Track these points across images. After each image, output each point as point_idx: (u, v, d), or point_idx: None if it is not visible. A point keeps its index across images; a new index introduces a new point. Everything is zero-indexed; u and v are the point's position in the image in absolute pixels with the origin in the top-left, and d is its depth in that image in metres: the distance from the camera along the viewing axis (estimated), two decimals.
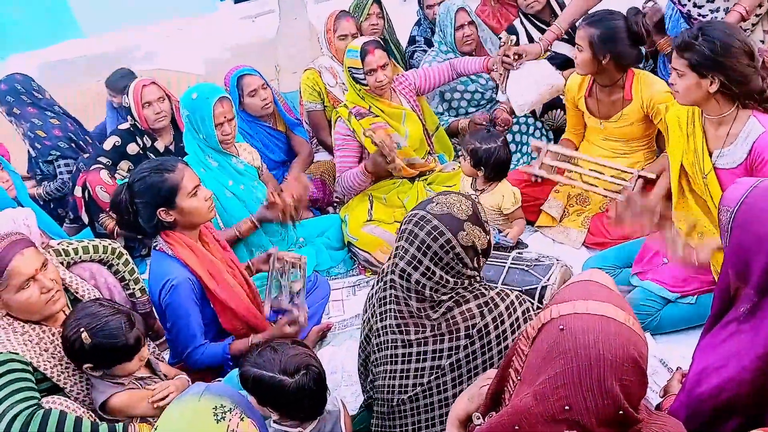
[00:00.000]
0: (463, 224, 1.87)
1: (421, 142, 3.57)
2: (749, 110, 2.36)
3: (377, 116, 3.45)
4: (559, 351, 1.26)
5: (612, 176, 3.10)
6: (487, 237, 1.93)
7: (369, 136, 3.30)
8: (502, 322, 1.94)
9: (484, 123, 3.78)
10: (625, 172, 3.08)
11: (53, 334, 2.11)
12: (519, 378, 1.35)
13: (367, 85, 3.36)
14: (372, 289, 2.12)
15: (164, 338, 2.72)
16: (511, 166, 3.65)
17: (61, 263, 2.61)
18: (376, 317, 2.04)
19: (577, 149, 3.41)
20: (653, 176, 3.03)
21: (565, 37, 3.62)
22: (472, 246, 1.88)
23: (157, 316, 2.70)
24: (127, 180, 2.47)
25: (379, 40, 3.41)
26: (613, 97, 3.18)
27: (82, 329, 1.99)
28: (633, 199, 2.53)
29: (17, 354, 1.98)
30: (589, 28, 3.01)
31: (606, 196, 3.13)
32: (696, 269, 2.34)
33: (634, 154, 3.25)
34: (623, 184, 3.04)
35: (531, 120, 3.87)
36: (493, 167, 3.14)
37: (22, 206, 2.95)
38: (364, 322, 2.15)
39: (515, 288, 2.61)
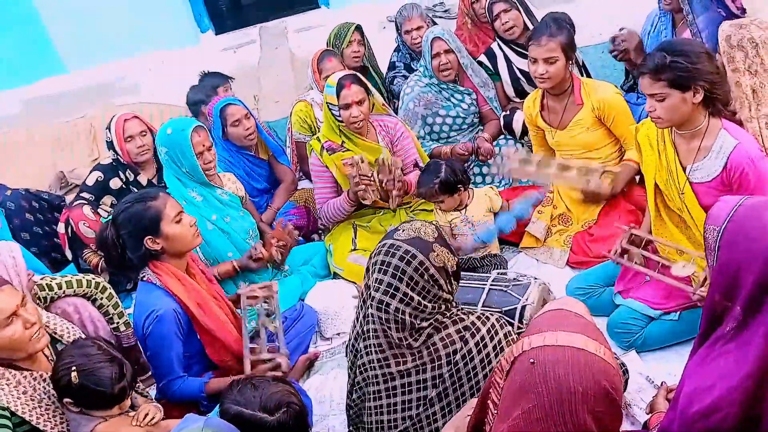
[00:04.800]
0: (432, 246, 1.91)
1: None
2: (718, 120, 2.40)
3: (349, 150, 3.44)
4: (531, 385, 1.26)
5: (578, 172, 3.11)
6: (455, 258, 1.96)
7: (344, 164, 3.31)
8: (485, 346, 1.95)
9: (466, 154, 3.81)
10: (590, 168, 3.10)
11: (34, 379, 2.08)
12: (496, 411, 1.35)
13: (341, 120, 3.35)
14: (353, 323, 2.12)
15: (150, 373, 2.69)
16: (496, 186, 3.72)
17: (45, 298, 2.60)
18: (359, 352, 2.04)
19: None
20: (617, 170, 3.10)
21: (523, 51, 3.66)
22: (443, 267, 1.91)
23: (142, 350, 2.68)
24: (110, 217, 2.48)
25: (358, 75, 3.41)
26: (565, 102, 3.23)
27: (73, 367, 1.98)
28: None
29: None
30: (551, 39, 3.05)
31: (575, 187, 3.15)
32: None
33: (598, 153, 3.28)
34: (589, 178, 3.06)
35: (512, 142, 3.91)
36: (454, 184, 3.24)
37: None
38: (348, 355, 2.15)
39: (495, 309, 2.62)
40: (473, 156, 3.86)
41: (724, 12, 3.12)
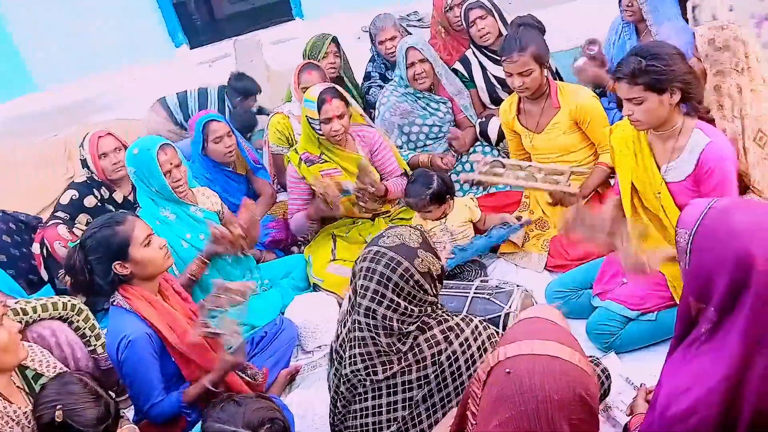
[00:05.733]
0: (417, 252, 1.91)
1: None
2: (692, 120, 2.44)
3: (327, 162, 3.45)
4: (507, 395, 1.27)
5: (546, 174, 3.16)
6: (440, 263, 1.97)
7: (313, 184, 3.32)
8: (469, 347, 1.96)
9: (449, 167, 3.83)
10: (558, 170, 3.14)
11: (10, 416, 2.02)
12: (475, 422, 1.36)
13: (322, 133, 3.36)
14: (336, 331, 2.12)
15: (127, 395, 2.66)
16: (472, 194, 3.74)
17: (21, 322, 2.56)
18: (344, 362, 2.03)
19: None
20: (586, 171, 3.14)
21: (497, 57, 3.69)
22: (428, 272, 1.91)
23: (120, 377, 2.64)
24: (77, 242, 2.44)
25: (337, 87, 3.40)
26: (542, 106, 3.26)
27: (59, 407, 1.94)
28: (581, 211, 2.58)
29: None
30: (523, 52, 3.06)
31: (542, 189, 3.16)
32: (648, 278, 2.38)
33: (575, 156, 3.31)
34: (558, 179, 3.09)
35: (488, 149, 3.93)
36: (444, 195, 3.27)
37: None
38: (328, 372, 2.14)
39: (479, 317, 2.62)
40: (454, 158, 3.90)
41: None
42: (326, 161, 3.45)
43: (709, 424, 1.53)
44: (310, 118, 3.33)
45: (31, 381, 2.20)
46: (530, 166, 3.21)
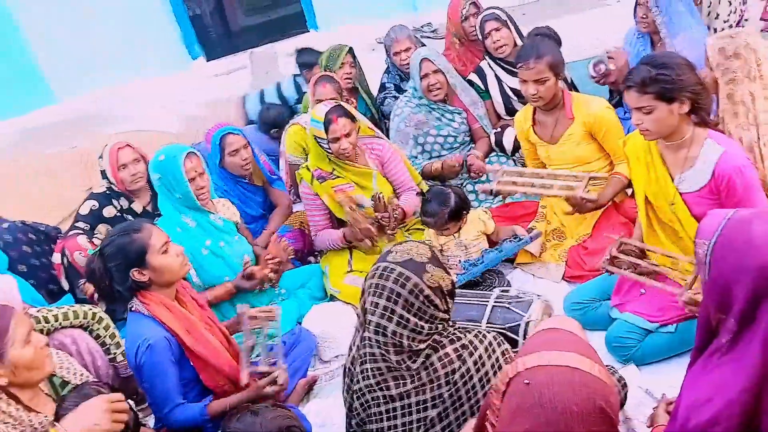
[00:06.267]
0: (426, 266, 1.90)
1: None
2: (703, 130, 2.43)
3: (339, 177, 3.47)
4: (527, 406, 1.26)
5: (564, 181, 3.15)
6: (450, 278, 1.96)
7: (345, 213, 3.36)
8: (483, 365, 1.95)
9: (457, 165, 3.84)
10: (576, 176, 3.13)
11: (40, 424, 2.03)
12: None
13: (331, 152, 3.38)
14: (349, 349, 2.12)
15: (148, 403, 2.68)
16: (487, 205, 3.75)
17: (41, 331, 2.59)
18: (356, 377, 2.04)
19: None
20: (605, 176, 3.12)
21: (512, 69, 3.71)
22: (438, 287, 1.90)
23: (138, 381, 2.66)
24: (97, 249, 2.47)
25: (342, 104, 3.41)
26: (556, 117, 3.26)
27: None
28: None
29: None
30: (540, 60, 3.07)
31: (560, 196, 3.14)
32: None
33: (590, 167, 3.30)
34: (575, 185, 3.08)
35: (503, 159, 3.93)
36: (461, 211, 3.28)
37: None
38: (343, 384, 2.15)
39: (499, 326, 2.63)
40: (465, 173, 3.89)
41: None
42: (338, 176, 3.47)
43: None
44: (318, 137, 3.35)
45: (58, 388, 2.22)
46: (548, 173, 3.21)
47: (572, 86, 4.02)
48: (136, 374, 2.45)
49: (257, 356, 2.51)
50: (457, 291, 2.21)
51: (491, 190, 3.32)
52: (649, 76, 2.34)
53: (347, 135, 3.31)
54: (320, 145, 3.39)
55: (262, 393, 2.37)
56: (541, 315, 2.65)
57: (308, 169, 3.51)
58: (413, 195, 3.55)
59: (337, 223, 3.60)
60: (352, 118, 3.37)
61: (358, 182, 3.48)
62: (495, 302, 2.75)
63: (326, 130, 3.29)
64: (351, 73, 4.37)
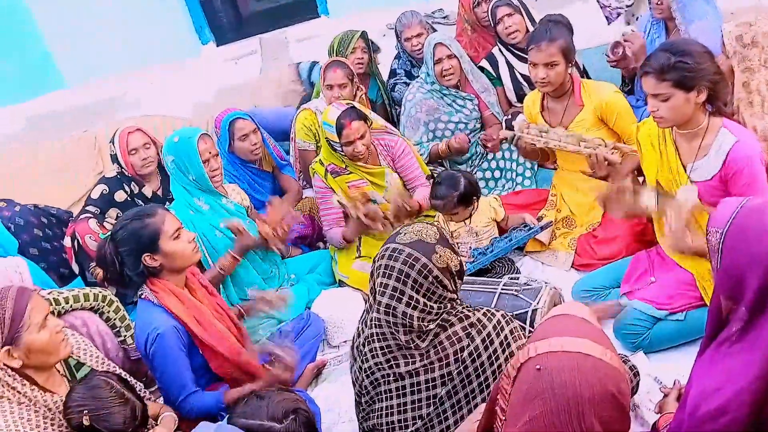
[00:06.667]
0: (435, 247, 1.91)
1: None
2: (719, 119, 2.41)
3: (353, 173, 3.44)
4: (538, 391, 1.26)
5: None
6: (458, 258, 1.96)
7: (344, 206, 3.31)
8: (492, 342, 1.96)
9: (465, 145, 3.81)
10: (602, 143, 3.06)
11: (54, 403, 2.06)
12: (504, 417, 1.36)
13: (344, 154, 3.34)
14: (357, 329, 2.13)
15: (157, 387, 2.70)
16: (497, 192, 3.73)
17: (52, 313, 2.61)
18: (365, 356, 2.05)
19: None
20: (628, 149, 3.04)
21: (524, 55, 3.68)
22: (447, 267, 1.91)
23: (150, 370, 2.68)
24: (108, 234, 2.47)
25: (355, 106, 3.34)
26: (566, 104, 3.23)
27: (85, 411, 1.98)
28: (620, 188, 2.54)
29: None
30: (552, 43, 3.04)
31: (581, 152, 3.08)
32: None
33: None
34: (597, 144, 3.01)
35: (514, 147, 3.91)
36: (471, 196, 3.26)
37: None
38: (351, 366, 2.16)
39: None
40: (476, 159, 3.87)
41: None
42: (351, 172, 3.45)
43: (740, 424, 1.52)
44: (331, 140, 3.31)
45: (73, 369, 2.24)
46: (573, 135, 3.13)
47: (584, 73, 3.98)
48: (146, 363, 2.47)
49: (263, 339, 2.53)
50: (466, 278, 2.21)
51: (513, 138, 3.26)
52: (669, 63, 2.31)
53: (361, 137, 3.27)
54: (333, 148, 3.36)
55: (278, 379, 2.38)
56: (549, 303, 2.65)
57: (321, 163, 3.48)
58: (426, 189, 3.51)
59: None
60: (365, 119, 3.33)
61: (372, 179, 3.47)
62: (503, 289, 2.75)
63: (339, 134, 3.24)
64: (363, 58, 4.33)
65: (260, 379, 2.43)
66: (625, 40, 3.52)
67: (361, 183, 3.46)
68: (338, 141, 3.26)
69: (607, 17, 4.24)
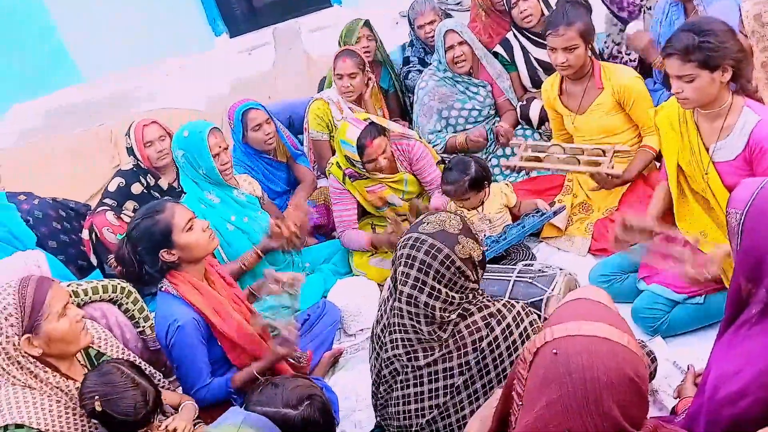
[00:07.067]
0: (457, 238, 1.89)
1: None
2: (741, 98, 2.37)
3: (369, 178, 3.40)
4: (554, 376, 1.25)
5: (589, 154, 3.10)
6: (481, 248, 1.95)
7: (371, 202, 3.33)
8: (511, 333, 1.95)
9: (482, 140, 3.80)
10: (601, 149, 3.08)
11: (67, 396, 2.08)
12: (521, 402, 1.35)
13: (366, 171, 3.29)
14: (377, 316, 2.13)
15: (175, 376, 2.73)
16: (512, 179, 3.71)
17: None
18: (385, 346, 2.04)
19: None
20: (629, 149, 3.05)
21: (539, 40, 3.64)
22: (469, 258, 1.89)
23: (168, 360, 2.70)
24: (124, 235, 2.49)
25: (374, 122, 3.27)
26: (585, 86, 3.20)
27: (96, 397, 2.00)
28: (627, 222, 2.49)
29: (23, 428, 1.96)
30: (570, 27, 3.01)
31: (584, 172, 3.11)
32: (706, 282, 2.29)
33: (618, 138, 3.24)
34: (600, 160, 3.03)
35: (529, 132, 3.89)
36: (483, 181, 3.23)
37: None
38: (370, 352, 2.16)
39: (520, 301, 2.61)
40: (491, 146, 3.85)
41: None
42: (369, 177, 3.41)
43: (760, 406, 1.50)
44: (353, 159, 3.24)
45: (93, 359, 2.27)
46: (572, 147, 3.17)
47: (602, 57, 3.94)
48: (166, 354, 2.50)
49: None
50: None
51: (514, 166, 3.27)
52: (693, 44, 2.27)
53: (383, 153, 3.22)
54: (353, 165, 3.30)
55: (279, 353, 2.39)
56: (564, 289, 2.63)
57: (339, 167, 3.44)
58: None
59: (362, 214, 3.60)
60: (384, 132, 3.27)
61: (392, 186, 3.45)
62: (518, 277, 2.73)
63: (361, 154, 3.19)
64: (369, 46, 4.31)
65: (263, 359, 2.44)
66: (627, 44, 3.49)
67: (380, 188, 3.44)
68: (360, 160, 3.21)
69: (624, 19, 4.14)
